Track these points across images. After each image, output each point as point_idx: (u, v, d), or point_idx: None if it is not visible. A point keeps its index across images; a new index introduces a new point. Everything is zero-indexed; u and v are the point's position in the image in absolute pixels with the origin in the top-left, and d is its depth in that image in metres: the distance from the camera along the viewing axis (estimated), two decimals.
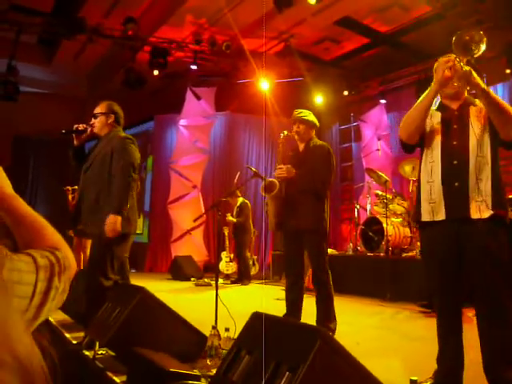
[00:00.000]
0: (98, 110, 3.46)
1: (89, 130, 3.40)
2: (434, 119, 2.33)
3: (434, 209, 2.21)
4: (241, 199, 7.88)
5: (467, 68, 2.09)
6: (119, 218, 3.02)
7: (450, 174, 2.18)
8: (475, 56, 2.06)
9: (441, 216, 2.19)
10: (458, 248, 2.16)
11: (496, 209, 2.10)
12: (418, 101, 2.26)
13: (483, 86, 2.09)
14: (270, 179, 3.73)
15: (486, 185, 2.12)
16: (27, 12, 6.67)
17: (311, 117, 3.83)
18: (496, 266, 2.10)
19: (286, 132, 3.85)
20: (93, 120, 3.43)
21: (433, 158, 2.24)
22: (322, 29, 7.70)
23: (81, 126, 3.38)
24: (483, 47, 2.03)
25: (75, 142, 3.43)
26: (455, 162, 2.17)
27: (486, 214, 2.10)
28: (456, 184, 2.15)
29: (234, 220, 7.69)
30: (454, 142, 2.21)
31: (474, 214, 2.11)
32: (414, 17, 7.18)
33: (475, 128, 2.21)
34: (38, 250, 0.73)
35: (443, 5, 6.30)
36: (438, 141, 2.25)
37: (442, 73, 2.15)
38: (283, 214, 3.73)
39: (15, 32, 6.65)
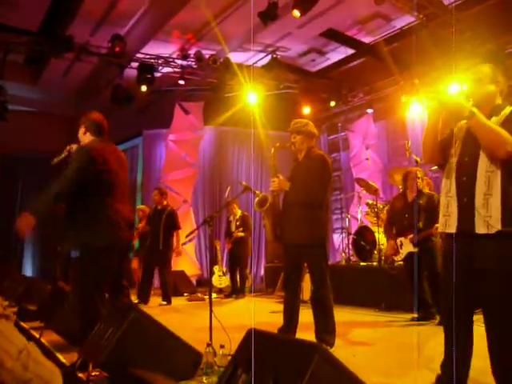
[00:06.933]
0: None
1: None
2: (459, 133, 2.34)
3: (447, 221, 2.28)
4: (239, 212, 7.78)
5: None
6: (32, 219, 2.74)
7: (461, 190, 2.23)
8: None
9: (452, 229, 2.24)
10: (468, 261, 2.18)
11: (505, 225, 2.07)
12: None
13: (466, 112, 2.14)
14: (263, 194, 3.76)
15: (496, 200, 2.10)
16: (14, 31, 6.65)
17: (308, 126, 3.73)
18: (504, 280, 2.09)
19: (277, 144, 3.90)
20: None
21: (449, 174, 2.31)
22: (307, 41, 7.79)
23: (65, 152, 3.21)
24: None
25: None
26: (464, 179, 2.22)
27: (494, 229, 2.08)
28: (465, 199, 2.19)
29: (242, 234, 7.57)
30: (466, 159, 2.24)
31: (481, 229, 2.11)
32: (398, 27, 7.30)
33: None
34: None
35: (425, 15, 6.42)
36: (454, 157, 2.32)
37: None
38: (280, 227, 3.73)
39: (2, 52, 6.60)
